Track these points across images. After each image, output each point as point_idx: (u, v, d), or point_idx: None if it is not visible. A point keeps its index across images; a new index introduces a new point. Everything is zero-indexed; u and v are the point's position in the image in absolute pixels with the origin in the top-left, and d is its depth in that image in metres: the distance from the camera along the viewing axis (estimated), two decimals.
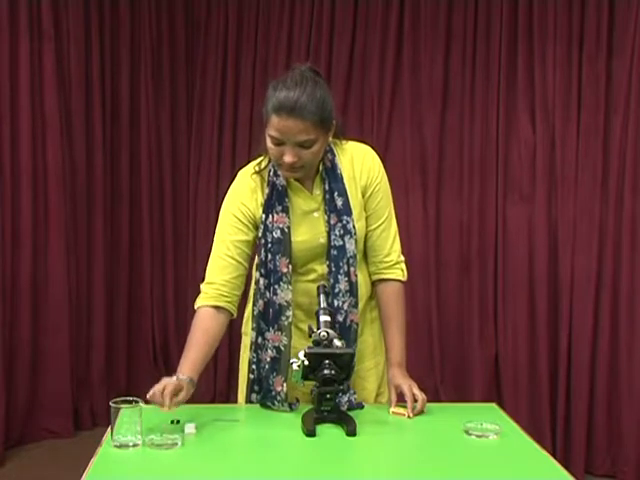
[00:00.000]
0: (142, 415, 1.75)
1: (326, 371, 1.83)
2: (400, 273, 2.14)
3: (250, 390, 2.10)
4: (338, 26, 4.14)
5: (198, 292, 2.03)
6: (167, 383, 1.83)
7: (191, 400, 1.89)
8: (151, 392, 1.82)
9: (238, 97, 4.39)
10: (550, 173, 3.79)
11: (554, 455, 1.88)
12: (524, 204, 3.84)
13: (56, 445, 3.77)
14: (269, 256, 2.03)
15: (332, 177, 2.04)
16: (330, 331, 1.90)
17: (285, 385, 2.02)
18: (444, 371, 4.02)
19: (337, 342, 1.89)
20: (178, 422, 1.86)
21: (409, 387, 2.00)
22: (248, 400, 2.10)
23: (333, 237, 2.02)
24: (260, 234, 2.04)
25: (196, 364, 1.93)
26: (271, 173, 2.05)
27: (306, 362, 1.84)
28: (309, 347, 1.88)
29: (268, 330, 2.04)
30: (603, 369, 3.64)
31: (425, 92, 3.99)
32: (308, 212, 2.06)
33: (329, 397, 1.87)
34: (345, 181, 2.05)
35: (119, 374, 4.28)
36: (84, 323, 4.08)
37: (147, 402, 1.81)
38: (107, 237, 4.18)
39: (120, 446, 1.74)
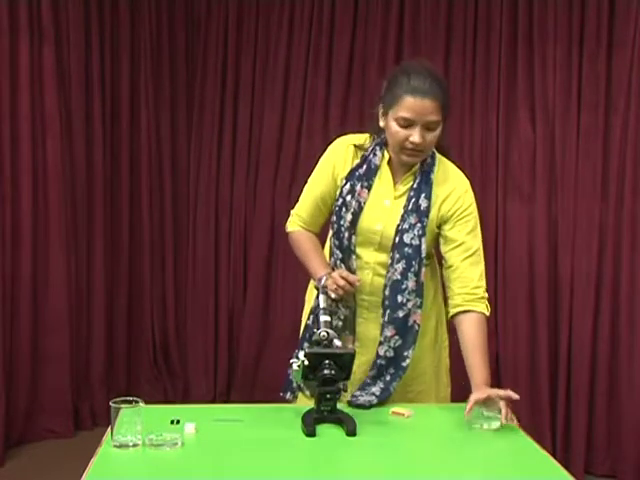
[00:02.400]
0: (142, 415, 1.75)
1: (326, 371, 1.84)
2: (485, 307, 2.12)
3: (304, 337, 2.20)
4: (338, 26, 4.14)
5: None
6: (333, 274, 2.05)
7: (191, 400, 1.90)
8: (330, 286, 2.03)
9: (238, 97, 4.39)
10: (550, 173, 3.79)
11: (554, 455, 1.88)
12: (524, 204, 3.84)
13: (56, 445, 3.77)
14: (339, 222, 2.16)
15: (425, 179, 2.13)
16: (330, 331, 1.91)
17: (356, 344, 2.12)
18: None
19: (337, 342, 1.90)
20: (178, 422, 1.86)
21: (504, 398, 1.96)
22: (301, 347, 2.16)
23: (411, 236, 2.10)
24: (336, 197, 2.18)
25: (324, 261, 2.19)
26: (369, 150, 2.17)
27: (306, 362, 1.84)
28: (309, 347, 1.89)
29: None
30: (603, 369, 3.64)
31: None
32: (380, 198, 2.15)
33: (329, 397, 1.88)
34: (433, 190, 2.13)
35: (119, 374, 4.27)
36: (84, 323, 4.07)
37: (147, 402, 1.81)
38: (107, 237, 4.18)
39: (120, 446, 1.74)
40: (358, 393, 2.10)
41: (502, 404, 1.95)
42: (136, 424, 1.74)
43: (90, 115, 4.04)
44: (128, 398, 1.78)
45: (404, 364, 2.10)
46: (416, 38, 4.01)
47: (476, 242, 2.14)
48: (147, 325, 4.43)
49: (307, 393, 2.12)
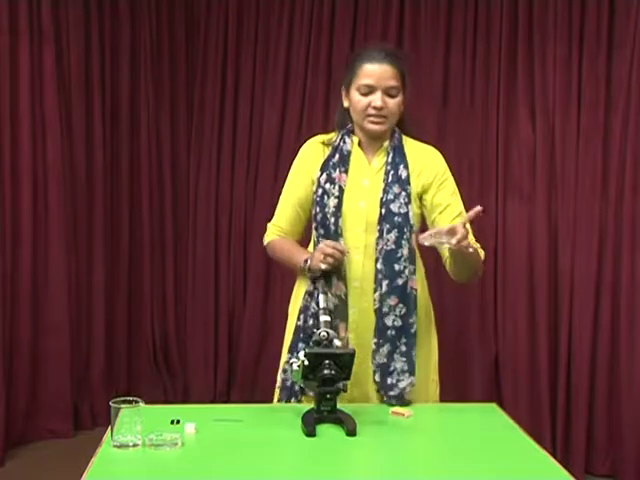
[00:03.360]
0: (142, 415, 1.75)
1: (326, 371, 1.84)
2: (481, 252, 2.17)
3: (295, 339, 2.19)
4: (338, 25, 4.14)
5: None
6: (320, 245, 2.07)
7: (191, 400, 1.90)
8: (317, 258, 2.04)
9: (238, 97, 4.39)
10: (550, 173, 3.79)
11: (554, 455, 1.88)
12: (524, 204, 3.84)
13: (56, 445, 3.77)
14: (323, 209, 2.17)
15: (398, 152, 2.19)
16: (330, 331, 1.91)
17: (348, 332, 2.11)
18: (444, 371, 4.01)
19: (337, 342, 1.90)
20: (178, 422, 1.86)
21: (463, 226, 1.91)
22: (294, 349, 2.16)
23: (398, 205, 2.14)
24: (314, 190, 2.20)
25: (307, 251, 2.22)
26: (338, 139, 2.22)
27: (306, 362, 1.84)
28: (309, 347, 1.89)
29: None
30: (603, 369, 3.64)
31: (425, 92, 3.98)
32: (358, 179, 2.19)
33: (329, 397, 1.88)
34: (408, 161, 2.18)
35: (119, 374, 4.27)
36: (84, 323, 4.07)
37: (147, 402, 1.81)
38: (107, 237, 4.18)
39: (120, 446, 1.74)
40: (389, 382, 2.09)
41: (461, 229, 1.89)
42: (136, 424, 1.74)
43: (90, 115, 4.04)
44: (128, 398, 1.78)
45: (412, 331, 2.14)
46: (416, 38, 4.01)
47: (460, 204, 2.25)
48: (147, 325, 4.43)
49: (303, 398, 2.12)
